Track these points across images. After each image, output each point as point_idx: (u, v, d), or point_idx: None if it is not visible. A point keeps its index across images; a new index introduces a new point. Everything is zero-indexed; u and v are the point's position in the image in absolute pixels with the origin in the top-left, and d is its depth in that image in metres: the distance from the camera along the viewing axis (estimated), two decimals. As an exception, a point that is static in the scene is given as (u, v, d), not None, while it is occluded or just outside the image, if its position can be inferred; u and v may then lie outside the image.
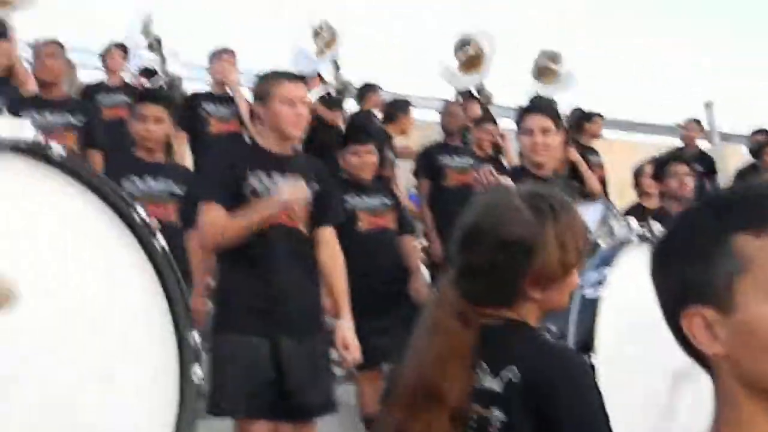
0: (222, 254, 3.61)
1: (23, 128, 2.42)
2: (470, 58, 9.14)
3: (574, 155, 7.11)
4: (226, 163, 3.59)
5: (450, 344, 1.74)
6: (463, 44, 9.25)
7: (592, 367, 2.72)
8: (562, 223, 1.75)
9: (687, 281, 1.06)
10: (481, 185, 3.80)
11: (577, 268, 1.80)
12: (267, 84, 3.63)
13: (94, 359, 2.46)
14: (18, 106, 5.11)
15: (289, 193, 3.44)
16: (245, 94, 6.44)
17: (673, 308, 1.07)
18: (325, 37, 8.81)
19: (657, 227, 3.11)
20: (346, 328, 3.65)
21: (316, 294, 3.73)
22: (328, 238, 3.72)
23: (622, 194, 8.45)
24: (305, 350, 3.55)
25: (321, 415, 3.70)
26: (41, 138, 2.44)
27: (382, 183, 5.76)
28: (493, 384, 1.72)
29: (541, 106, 4.50)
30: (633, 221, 3.23)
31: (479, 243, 1.77)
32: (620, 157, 9.76)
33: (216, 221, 3.49)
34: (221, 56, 6.71)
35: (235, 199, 3.49)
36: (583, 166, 7.12)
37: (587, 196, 6.96)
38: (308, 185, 3.61)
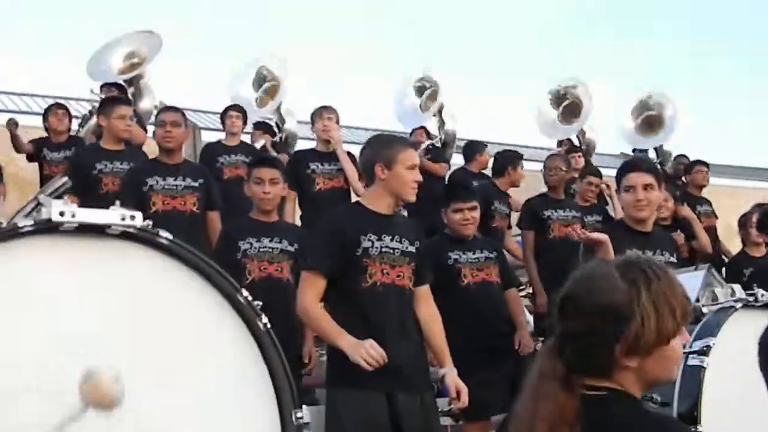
0: (334, 309, 3.76)
1: (133, 216, 2.53)
2: (568, 108, 9.18)
3: (687, 212, 7.05)
4: (337, 229, 3.76)
5: (555, 411, 1.77)
6: (559, 95, 9.29)
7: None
8: (657, 291, 1.77)
9: None
10: (578, 240, 3.93)
11: (677, 336, 1.80)
12: (393, 149, 3.81)
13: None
14: (142, 171, 5.42)
15: (368, 358, 3.48)
16: (348, 150, 6.57)
17: None
18: (429, 92, 9.03)
19: (761, 293, 3.09)
20: (454, 375, 3.80)
21: (423, 348, 3.89)
22: (425, 295, 3.93)
23: (729, 240, 8.31)
24: (418, 403, 3.69)
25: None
26: (149, 225, 2.57)
27: (489, 236, 5.85)
28: None
29: (641, 162, 4.58)
30: (737, 288, 3.21)
31: (574, 310, 1.82)
32: (726, 203, 9.60)
33: (307, 302, 3.67)
34: (323, 114, 6.67)
35: (346, 260, 3.68)
36: (696, 225, 7.05)
37: (695, 251, 6.92)
38: (411, 244, 3.80)
